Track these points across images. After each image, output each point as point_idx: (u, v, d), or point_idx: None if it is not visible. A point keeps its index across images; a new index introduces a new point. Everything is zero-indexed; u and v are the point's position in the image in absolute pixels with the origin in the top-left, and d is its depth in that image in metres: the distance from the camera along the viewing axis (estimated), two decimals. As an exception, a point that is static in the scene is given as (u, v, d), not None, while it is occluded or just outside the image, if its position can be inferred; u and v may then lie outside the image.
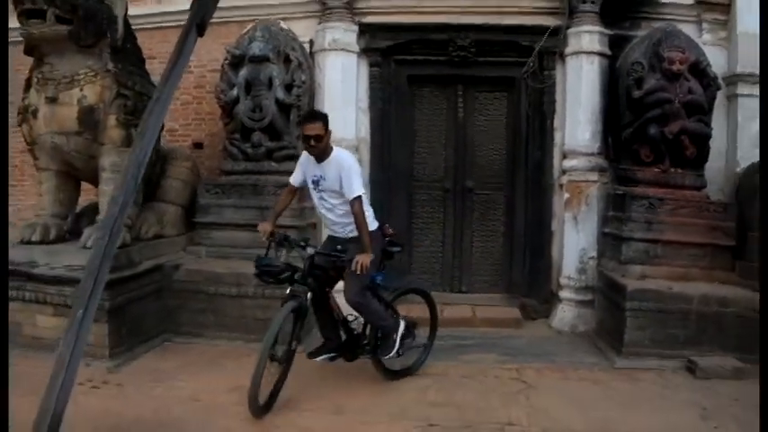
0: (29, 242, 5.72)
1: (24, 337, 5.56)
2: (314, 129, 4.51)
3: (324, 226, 5.31)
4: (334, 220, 4.79)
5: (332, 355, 4.83)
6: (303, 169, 4.82)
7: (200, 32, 4.01)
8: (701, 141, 6.51)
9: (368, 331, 4.95)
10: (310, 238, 5.50)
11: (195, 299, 6.06)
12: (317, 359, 4.82)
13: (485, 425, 4.25)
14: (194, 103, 7.83)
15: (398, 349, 4.91)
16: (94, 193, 6.70)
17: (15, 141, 8.33)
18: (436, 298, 5.86)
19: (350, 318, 4.90)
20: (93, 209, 6.32)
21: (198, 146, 7.77)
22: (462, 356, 5.76)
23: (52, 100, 5.44)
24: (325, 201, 4.75)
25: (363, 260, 4.39)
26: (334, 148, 4.70)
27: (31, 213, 8.18)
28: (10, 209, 8.33)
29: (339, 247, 4.63)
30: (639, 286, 5.72)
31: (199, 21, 4.00)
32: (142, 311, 5.77)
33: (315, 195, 4.81)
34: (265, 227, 4.69)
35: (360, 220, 4.53)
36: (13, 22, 5.52)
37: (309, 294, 4.50)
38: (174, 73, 3.81)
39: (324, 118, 4.63)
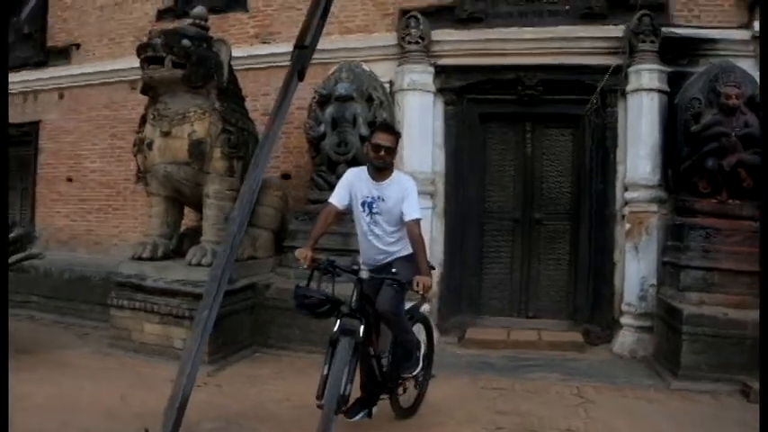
0: (139, 258, 6.52)
1: (133, 341, 6.40)
2: (388, 139, 4.27)
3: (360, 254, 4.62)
4: (381, 248, 4.38)
5: (370, 409, 4.39)
6: (351, 189, 4.39)
7: (301, 78, 4.68)
8: (758, 173, 6.79)
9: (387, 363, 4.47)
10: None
11: (283, 315, 6.65)
12: (356, 418, 4.30)
13: (546, 430, 4.67)
14: (283, 137, 8.50)
15: (422, 368, 4.70)
16: (190, 218, 7.56)
17: (120, 170, 9.42)
18: (505, 322, 6.35)
19: (383, 354, 4.45)
20: (193, 231, 7.09)
21: (286, 177, 8.46)
22: (527, 375, 6.16)
23: (166, 134, 6.28)
24: (378, 225, 4.35)
25: (426, 281, 3.99)
26: (394, 169, 4.44)
27: (130, 235, 9.24)
28: (114, 230, 9.35)
29: (394, 270, 4.18)
30: (696, 312, 6.04)
31: (299, 68, 4.69)
32: (237, 324, 6.45)
33: (363, 219, 4.37)
34: (305, 253, 4.11)
35: (421, 244, 4.23)
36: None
37: (363, 328, 3.99)
38: (280, 113, 4.48)
39: (398, 134, 4.49)
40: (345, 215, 4.61)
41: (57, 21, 10.23)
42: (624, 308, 7.20)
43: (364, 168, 4.43)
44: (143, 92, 6.58)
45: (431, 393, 5.06)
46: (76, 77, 9.94)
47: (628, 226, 7.25)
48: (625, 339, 7.09)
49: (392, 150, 4.29)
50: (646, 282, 7.09)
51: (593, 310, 7.47)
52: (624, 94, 7.45)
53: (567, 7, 7.81)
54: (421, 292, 4.00)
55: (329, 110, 7.50)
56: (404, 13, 7.95)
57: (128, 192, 9.43)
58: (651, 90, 7.29)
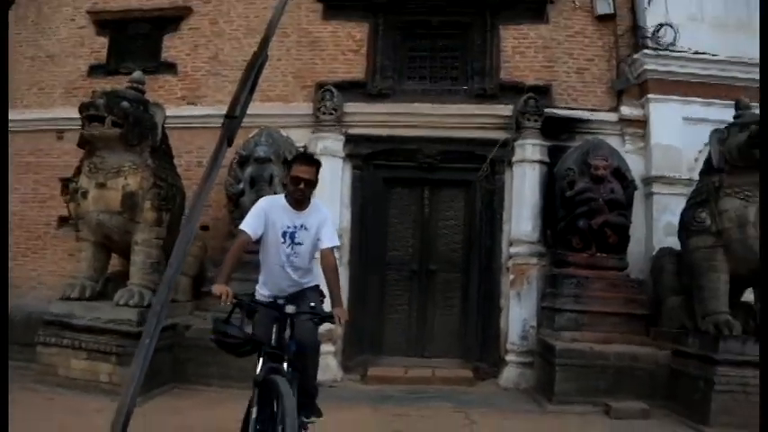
0: (68, 298, 6.97)
1: (59, 377, 6.77)
2: (309, 172, 4.12)
3: (260, 292, 4.38)
4: (295, 279, 4.23)
5: None
6: (268, 219, 4.13)
7: (230, 144, 5.38)
8: (622, 231, 8.05)
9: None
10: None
11: (202, 353, 7.12)
12: None
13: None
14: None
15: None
16: (113, 264, 8.02)
17: (41, 215, 9.71)
18: (403, 361, 7.22)
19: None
20: (118, 275, 7.59)
21: (204, 228, 9.03)
22: (422, 404, 6.94)
23: (101, 185, 6.87)
24: (299, 256, 4.17)
25: (345, 314, 3.95)
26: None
27: (48, 278, 9.51)
28: (32, 273, 9.56)
29: (312, 304, 4.09)
30: (567, 347, 7.11)
31: (229, 135, 5.49)
32: (158, 361, 6.87)
33: (283, 250, 4.14)
34: (224, 289, 3.78)
35: (337, 274, 4.20)
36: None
37: (289, 368, 3.82)
38: (212, 175, 5.22)
39: (318, 163, 4.29)
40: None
41: None
42: (509, 347, 8.21)
43: (280, 197, 4.27)
44: (80, 145, 7.16)
45: (334, 419, 4.95)
46: None
47: (512, 276, 8.34)
48: (510, 374, 8.07)
49: (312, 183, 4.14)
50: (527, 324, 8.15)
51: (482, 350, 8.43)
52: (511, 164, 8.66)
53: (464, 87, 9.11)
54: (342, 325, 4.11)
55: (248, 170, 8.25)
56: (320, 86, 8.98)
57: (48, 236, 9.72)
58: (533, 161, 8.56)
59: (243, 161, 8.29)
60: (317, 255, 4.27)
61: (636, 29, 9.14)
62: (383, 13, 9.27)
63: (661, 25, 8.90)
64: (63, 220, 9.63)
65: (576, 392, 6.92)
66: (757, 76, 8.66)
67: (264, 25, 8.58)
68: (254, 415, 3.65)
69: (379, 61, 9.15)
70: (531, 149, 8.56)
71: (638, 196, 8.45)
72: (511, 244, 8.47)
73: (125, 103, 6.80)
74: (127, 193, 6.88)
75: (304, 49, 9.38)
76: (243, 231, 4.12)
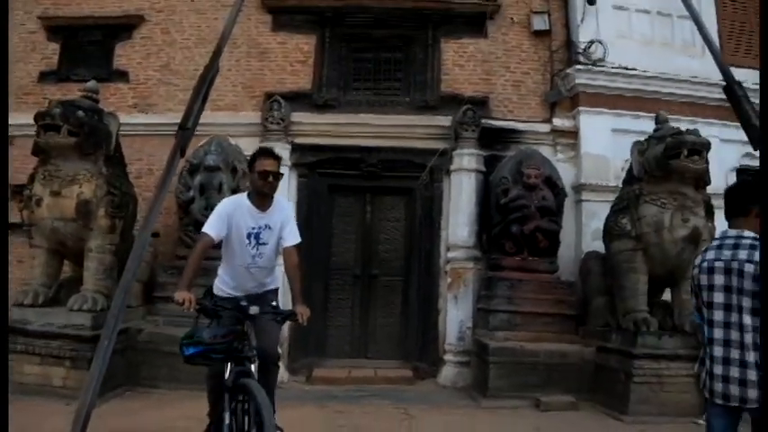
0: (21, 305, 7.14)
1: (13, 384, 6.84)
2: (273, 164, 4.15)
3: (220, 287, 4.38)
4: (260, 280, 4.28)
5: None
6: (231, 221, 4.12)
7: (182, 155, 5.74)
8: (552, 236, 8.60)
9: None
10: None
11: (153, 356, 7.45)
12: None
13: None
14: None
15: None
16: (64, 270, 8.19)
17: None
18: (347, 363, 7.64)
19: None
20: (71, 281, 7.78)
21: (155, 235, 9.22)
22: (365, 402, 7.34)
23: (56, 193, 7.06)
24: (263, 257, 4.20)
25: (307, 312, 3.95)
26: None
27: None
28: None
29: (274, 303, 4.13)
30: (500, 345, 7.62)
31: (183, 146, 5.81)
32: (112, 364, 7.04)
33: (247, 251, 4.14)
34: (186, 295, 3.76)
35: (300, 272, 4.21)
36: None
37: (254, 367, 3.85)
38: (165, 184, 5.55)
39: (279, 157, 4.33)
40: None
41: None
42: (447, 347, 8.69)
43: (242, 197, 4.25)
44: (34, 153, 7.34)
45: (281, 417, 4.99)
46: None
47: (449, 280, 8.82)
48: (448, 373, 8.55)
49: (278, 176, 4.16)
50: (464, 325, 8.65)
51: (422, 350, 8.89)
52: (449, 173, 9.14)
53: (407, 99, 9.56)
54: (304, 324, 3.92)
55: (198, 178, 8.50)
56: (268, 96, 9.33)
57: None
58: (470, 170, 9.07)
59: (193, 169, 8.54)
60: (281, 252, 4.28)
61: (569, 45, 9.77)
62: (330, 25, 9.68)
63: (592, 42, 9.48)
64: (12, 228, 9.73)
65: (508, 388, 7.43)
66: (680, 91, 9.47)
67: (215, 35, 8.99)
68: (226, 421, 3.57)
69: (325, 72, 9.55)
70: (468, 159, 9.07)
71: (568, 203, 9.02)
72: (448, 249, 8.95)
73: (80, 113, 7.01)
74: (81, 200, 7.09)
75: (253, 60, 9.72)
76: (205, 234, 4.08)
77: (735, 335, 3.30)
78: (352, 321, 9.30)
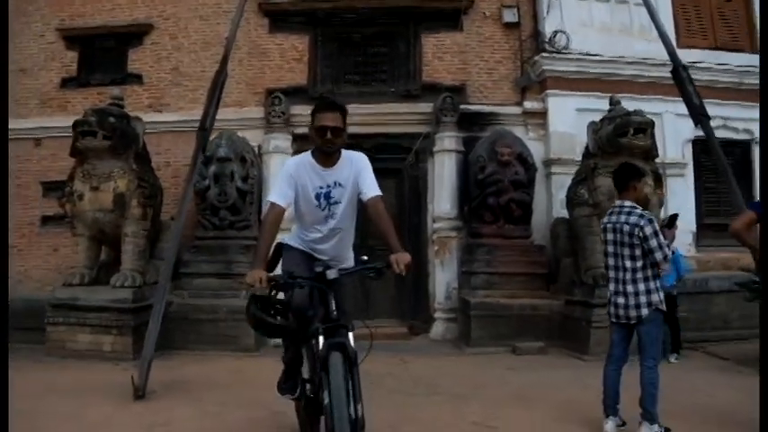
0: (71, 285, 8.36)
1: (66, 350, 8.13)
2: (334, 119, 3.58)
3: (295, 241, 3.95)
4: (337, 242, 3.83)
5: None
6: (298, 182, 3.65)
7: (204, 151, 7.05)
8: (525, 206, 9.82)
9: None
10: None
11: (182, 324, 8.65)
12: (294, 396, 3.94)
13: (374, 376, 7.07)
14: (172, 188, 10.48)
15: None
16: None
17: (25, 216, 10.88)
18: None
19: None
20: (108, 263, 8.99)
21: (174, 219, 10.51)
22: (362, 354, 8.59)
23: (95, 188, 8.26)
24: (335, 218, 3.72)
25: (404, 259, 3.36)
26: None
27: (35, 272, 10.73)
28: (20, 268, 10.72)
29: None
30: (480, 301, 8.94)
31: (203, 145, 7.03)
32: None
33: (319, 214, 3.69)
34: (259, 274, 3.32)
35: (389, 220, 3.59)
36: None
37: (351, 336, 3.41)
38: (192, 179, 6.80)
39: (344, 109, 3.69)
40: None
41: None
42: (436, 306, 9.99)
43: (306, 155, 3.72)
44: (72, 155, 8.50)
45: None
46: None
47: (436, 248, 10.08)
48: (438, 328, 9.86)
49: (340, 131, 3.59)
50: (450, 286, 9.93)
51: (415, 310, 10.17)
52: (432, 154, 10.35)
53: (392, 89, 10.68)
54: (404, 273, 3.37)
55: (212, 168, 9.66)
56: (269, 92, 10.50)
57: (33, 234, 10.97)
58: (451, 151, 10.27)
59: (207, 161, 9.65)
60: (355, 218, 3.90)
61: (537, 35, 10.91)
62: (321, 25, 10.84)
63: (556, 32, 10.63)
64: (45, 220, 10.93)
65: (488, 337, 8.74)
66: (637, 72, 10.66)
67: (218, 39, 10.27)
68: (325, 400, 3.17)
69: (319, 68, 10.72)
70: (448, 141, 10.29)
71: (539, 176, 10.23)
72: (434, 221, 10.19)
73: (112, 119, 8.21)
74: (117, 194, 8.31)
75: (254, 60, 10.87)
76: (273, 204, 3.62)
77: (621, 274, 4.65)
78: (354, 287, 10.50)
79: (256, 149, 10.21)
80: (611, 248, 4.77)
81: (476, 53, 10.97)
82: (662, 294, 4.64)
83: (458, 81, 10.79)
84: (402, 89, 10.66)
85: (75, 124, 8.19)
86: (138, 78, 11.03)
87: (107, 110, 8.42)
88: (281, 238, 3.90)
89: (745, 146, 11.42)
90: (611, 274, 4.78)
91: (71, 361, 7.92)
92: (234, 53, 10.40)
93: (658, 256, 4.52)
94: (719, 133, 10.80)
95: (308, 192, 3.67)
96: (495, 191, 9.66)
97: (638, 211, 4.69)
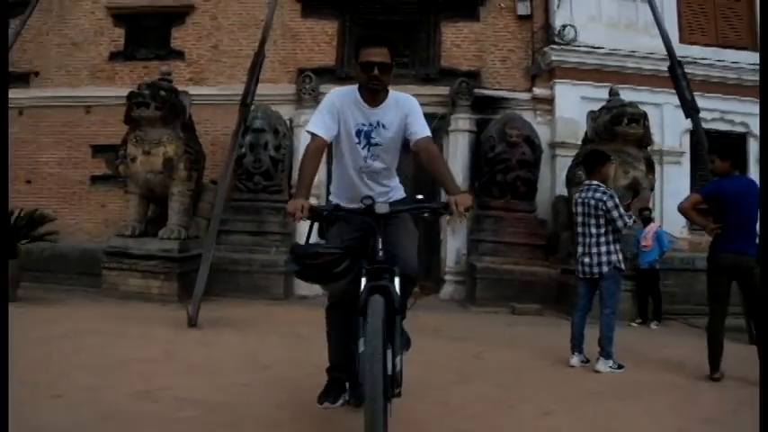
0: (123, 235, 9.49)
1: (119, 291, 9.27)
2: (380, 54, 3.23)
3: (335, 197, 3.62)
4: (376, 189, 3.44)
5: (346, 397, 3.42)
6: (340, 117, 3.36)
7: (246, 124, 8.04)
8: (530, 184, 10.81)
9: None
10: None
11: (220, 274, 9.64)
12: (335, 405, 3.36)
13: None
14: (210, 155, 11.52)
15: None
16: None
17: (76, 174, 11.99)
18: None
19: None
20: (155, 219, 10.10)
21: (213, 182, 11.49)
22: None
23: (147, 152, 9.37)
24: (378, 159, 3.42)
25: (465, 200, 2.99)
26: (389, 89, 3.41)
27: (85, 225, 11.88)
28: (71, 221, 11.82)
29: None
30: (485, 266, 9.98)
31: (245, 118, 8.03)
32: (191, 279, 9.47)
33: (358, 153, 3.40)
34: (300, 203, 2.96)
35: (443, 160, 3.46)
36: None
37: (397, 280, 3.02)
38: (235, 149, 7.84)
39: (392, 44, 3.33)
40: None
41: (17, 51, 12.10)
42: (446, 269, 11.06)
43: (352, 88, 3.43)
44: (126, 122, 9.61)
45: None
46: (35, 99, 12.22)
47: (447, 218, 11.06)
48: (447, 289, 10.95)
49: (387, 66, 3.26)
50: (459, 252, 10.99)
51: (427, 272, 11.18)
52: (447, 133, 11.34)
53: (413, 73, 11.63)
54: (464, 215, 3.09)
55: (248, 138, 10.69)
56: (301, 71, 11.53)
57: (83, 192, 12.12)
58: (465, 131, 11.27)
59: (244, 131, 10.71)
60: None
61: (547, 27, 11.79)
62: (350, 12, 11.83)
63: (565, 26, 11.52)
64: (95, 179, 12.07)
65: (491, 299, 9.82)
66: (639, 65, 11.54)
67: (254, 20, 11.32)
68: (360, 348, 2.81)
69: (346, 51, 11.64)
70: (462, 122, 11.30)
71: (545, 157, 11.19)
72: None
73: (163, 93, 9.32)
74: (166, 158, 9.43)
75: (287, 42, 11.88)
76: (313, 135, 3.31)
77: (587, 239, 5.73)
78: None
79: (288, 123, 11.22)
80: (580, 219, 5.82)
81: (491, 42, 11.90)
82: (621, 255, 5.72)
83: (473, 67, 11.74)
84: (422, 73, 11.62)
85: (130, 96, 9.28)
86: (180, 54, 12.06)
87: (158, 84, 9.50)
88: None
89: (741, 138, 12.28)
90: (580, 239, 5.85)
91: (124, 301, 9.04)
92: (269, 35, 11.46)
93: (619, 223, 5.58)
94: (717, 126, 11.91)
95: (349, 127, 3.38)
96: (504, 169, 10.63)
97: (603, 188, 5.74)
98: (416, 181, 11.44)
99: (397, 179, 3.65)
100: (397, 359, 2.93)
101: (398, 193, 3.65)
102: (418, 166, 3.43)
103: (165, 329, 6.76)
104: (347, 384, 3.37)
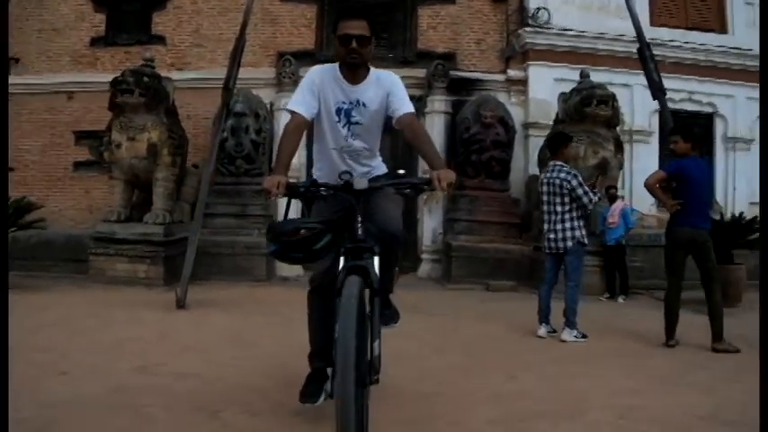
0: (109, 221, 9.73)
1: (106, 276, 9.52)
2: (358, 26, 3.14)
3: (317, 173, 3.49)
4: (356, 168, 3.33)
5: (328, 389, 3.16)
6: (320, 95, 3.27)
7: (228, 107, 8.31)
8: (503, 164, 11.19)
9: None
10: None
11: (204, 257, 9.88)
12: (317, 403, 3.22)
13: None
14: (193, 139, 11.68)
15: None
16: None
17: (59, 161, 12.15)
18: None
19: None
20: (140, 204, 10.33)
21: (195, 166, 11.70)
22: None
23: (131, 138, 9.59)
24: (358, 138, 3.34)
25: (449, 175, 2.86)
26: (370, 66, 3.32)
27: (70, 212, 12.07)
28: (55, 208, 11.99)
29: (401, 171, 3.58)
30: (460, 244, 10.38)
31: (228, 101, 8.29)
32: (176, 263, 9.77)
33: (338, 131, 3.32)
34: (276, 179, 2.85)
35: (427, 135, 3.37)
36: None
37: (377, 260, 2.91)
38: (218, 133, 8.13)
39: (369, 18, 3.24)
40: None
41: None
42: (423, 249, 11.45)
43: (333, 66, 3.32)
44: (110, 109, 9.80)
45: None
46: (17, 86, 11.89)
47: (425, 197, 11.41)
48: (424, 268, 11.34)
49: (366, 40, 3.17)
50: (436, 231, 11.39)
51: (405, 252, 11.52)
52: (424, 114, 11.64)
53: (390, 55, 11.89)
54: (446, 191, 3.03)
55: (230, 122, 10.89)
56: (281, 55, 11.73)
57: (66, 178, 12.29)
58: (441, 112, 11.62)
59: (225, 115, 10.96)
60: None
61: (521, 10, 12.09)
62: (328, -4, 11.99)
63: (539, 8, 11.84)
64: (78, 165, 12.25)
65: (466, 275, 10.21)
66: (610, 47, 11.91)
67: (235, 4, 11.53)
68: (336, 332, 2.61)
69: (325, 34, 11.85)
70: (438, 103, 11.65)
71: (518, 137, 11.57)
72: (424, 173, 11.47)
73: (146, 79, 9.51)
74: (151, 143, 9.66)
75: (267, 25, 12.08)
76: (293, 113, 3.23)
77: (552, 216, 6.15)
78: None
79: (268, 106, 11.47)
80: (545, 197, 6.23)
81: (466, 24, 12.19)
82: (584, 231, 6.15)
83: (449, 50, 12.05)
84: (399, 55, 11.90)
85: (114, 82, 9.48)
86: (161, 39, 12.22)
87: (142, 70, 9.70)
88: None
89: (707, 118, 12.75)
90: (545, 216, 6.28)
91: (111, 286, 9.30)
92: (249, 19, 11.66)
93: (585, 200, 5.98)
94: (685, 106, 12.36)
95: (329, 104, 3.29)
96: (478, 149, 11.00)
97: (566, 168, 6.14)
98: (393, 157, 11.86)
99: (379, 158, 3.57)
100: (376, 343, 2.79)
101: (380, 169, 3.54)
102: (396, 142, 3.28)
103: (155, 311, 7.09)
104: (330, 371, 3.08)
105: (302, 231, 2.84)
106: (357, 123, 3.29)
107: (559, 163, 6.24)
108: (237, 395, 3.88)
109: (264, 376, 4.31)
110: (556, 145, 6.46)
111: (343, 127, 3.30)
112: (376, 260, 2.88)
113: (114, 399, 3.73)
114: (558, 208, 6.12)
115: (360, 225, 2.88)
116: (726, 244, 8.97)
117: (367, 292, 2.75)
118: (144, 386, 4.01)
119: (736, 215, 9.67)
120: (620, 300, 9.35)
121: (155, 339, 5.60)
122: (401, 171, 3.65)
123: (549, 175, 6.25)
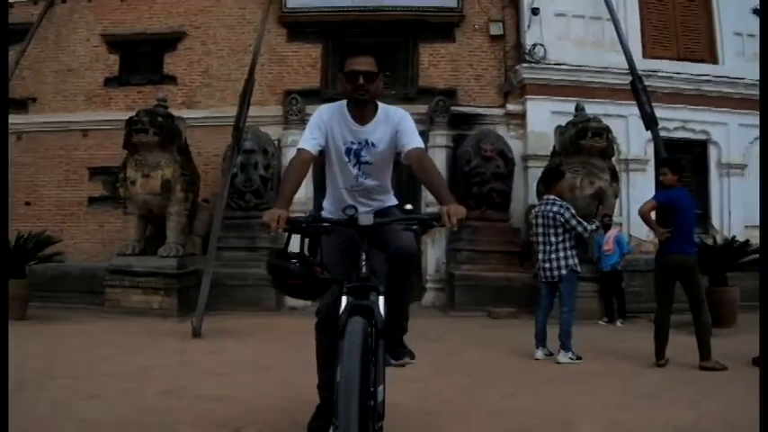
0: (124, 254, 10.12)
1: (122, 308, 9.87)
2: (366, 62, 3.14)
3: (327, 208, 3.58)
4: (366, 203, 3.39)
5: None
6: (328, 132, 3.29)
7: (238, 147, 8.73)
8: (504, 195, 11.58)
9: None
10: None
11: (216, 288, 10.23)
12: None
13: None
14: (203, 174, 12.06)
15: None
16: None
17: (74, 197, 12.58)
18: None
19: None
20: (153, 237, 10.73)
21: (205, 201, 12.10)
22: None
23: (146, 176, 10.02)
24: (368, 178, 3.36)
25: (459, 210, 2.78)
26: (378, 102, 3.32)
27: (83, 245, 12.44)
28: (69, 242, 12.30)
29: (409, 206, 3.17)
30: (463, 273, 10.71)
31: (238, 141, 8.73)
32: (189, 294, 10.15)
33: (350, 172, 3.34)
34: (276, 213, 2.79)
35: (436, 169, 3.37)
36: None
37: (382, 299, 2.81)
38: (229, 170, 8.54)
39: (377, 55, 3.23)
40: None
41: (16, 78, 12.60)
42: (428, 278, 11.78)
43: (342, 104, 3.34)
44: (125, 147, 10.26)
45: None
46: (33, 124, 12.77)
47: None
48: (428, 297, 11.68)
49: (374, 75, 3.18)
50: (439, 261, 11.74)
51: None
52: (426, 149, 11.96)
53: (393, 92, 12.30)
54: (455, 227, 2.84)
55: (239, 158, 11.30)
56: (287, 93, 12.23)
57: (81, 212, 12.70)
58: (442, 146, 12.06)
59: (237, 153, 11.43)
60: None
61: (519, 46, 12.59)
62: (333, 36, 12.55)
63: (535, 44, 12.31)
64: (92, 200, 12.67)
65: (469, 304, 10.54)
66: (606, 80, 12.34)
67: (243, 46, 12.07)
68: (338, 377, 2.50)
69: (330, 74, 12.38)
70: (440, 138, 12.09)
71: (518, 169, 11.97)
72: (427, 205, 11.89)
73: (160, 119, 9.98)
74: (164, 180, 10.09)
75: (274, 65, 12.58)
76: (301, 150, 3.25)
77: (547, 247, 6.55)
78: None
79: (276, 143, 11.90)
80: (540, 229, 6.63)
81: (466, 62, 12.68)
82: (576, 260, 6.55)
83: (449, 86, 12.52)
84: (401, 92, 12.35)
85: (130, 122, 9.93)
86: (172, 79, 12.73)
87: (156, 111, 10.17)
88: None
89: (701, 145, 13.13)
90: (540, 247, 6.68)
91: (127, 316, 9.64)
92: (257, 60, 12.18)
93: (580, 229, 6.39)
94: (679, 134, 12.78)
95: (338, 144, 3.29)
96: (479, 181, 11.39)
97: (559, 202, 6.58)
98: (397, 189, 12.26)
99: (391, 193, 3.59)
100: (380, 388, 2.69)
101: (391, 201, 3.57)
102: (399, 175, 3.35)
103: (173, 340, 7.45)
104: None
105: (290, 281, 2.86)
106: (367, 163, 3.30)
107: (552, 197, 6.65)
108: (257, 414, 4.21)
109: (280, 397, 4.64)
110: (549, 180, 6.91)
111: (354, 167, 3.30)
112: (381, 300, 2.79)
113: (145, 418, 4.08)
114: (553, 239, 6.51)
115: (364, 263, 2.80)
116: (720, 267, 9.35)
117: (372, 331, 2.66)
118: (171, 407, 4.36)
119: (730, 239, 10.06)
120: (619, 323, 9.64)
121: (176, 365, 5.96)
122: (409, 206, 3.56)
123: (543, 208, 6.67)
